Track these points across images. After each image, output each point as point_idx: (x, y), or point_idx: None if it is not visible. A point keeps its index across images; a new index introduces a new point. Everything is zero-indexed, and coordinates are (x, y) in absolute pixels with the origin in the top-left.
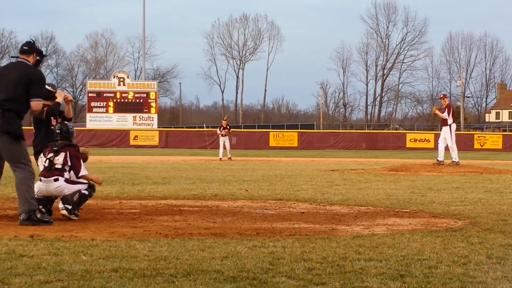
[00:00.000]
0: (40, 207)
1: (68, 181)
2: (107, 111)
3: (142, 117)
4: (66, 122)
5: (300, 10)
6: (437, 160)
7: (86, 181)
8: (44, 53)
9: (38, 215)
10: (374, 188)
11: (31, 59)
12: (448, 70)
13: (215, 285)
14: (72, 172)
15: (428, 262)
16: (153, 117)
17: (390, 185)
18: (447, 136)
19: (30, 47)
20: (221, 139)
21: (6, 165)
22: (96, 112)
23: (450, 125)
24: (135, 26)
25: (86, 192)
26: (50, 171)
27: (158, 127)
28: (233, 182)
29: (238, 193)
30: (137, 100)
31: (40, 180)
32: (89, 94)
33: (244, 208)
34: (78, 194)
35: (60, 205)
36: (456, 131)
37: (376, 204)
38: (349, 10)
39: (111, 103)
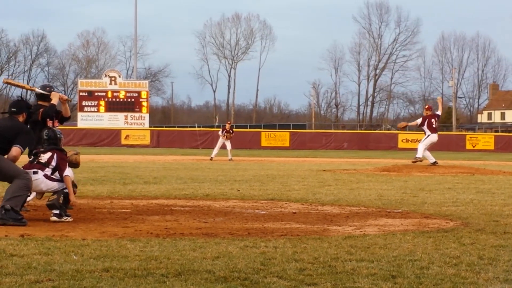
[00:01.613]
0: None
1: (47, 176)
2: (98, 110)
3: (134, 116)
4: (53, 128)
5: (292, 10)
6: (430, 163)
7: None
8: (31, 108)
9: (6, 213)
10: (366, 188)
11: (21, 118)
12: (440, 71)
13: (206, 285)
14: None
15: (420, 263)
16: (144, 117)
17: (382, 185)
18: (424, 137)
19: (18, 108)
20: (220, 140)
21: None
22: (87, 111)
23: (429, 135)
24: (127, 25)
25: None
26: (32, 163)
27: (149, 127)
28: (224, 182)
29: (229, 193)
30: (129, 100)
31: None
32: (80, 93)
33: (236, 208)
34: (62, 195)
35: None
36: (448, 131)
37: (367, 204)
38: (342, 10)
39: (102, 102)
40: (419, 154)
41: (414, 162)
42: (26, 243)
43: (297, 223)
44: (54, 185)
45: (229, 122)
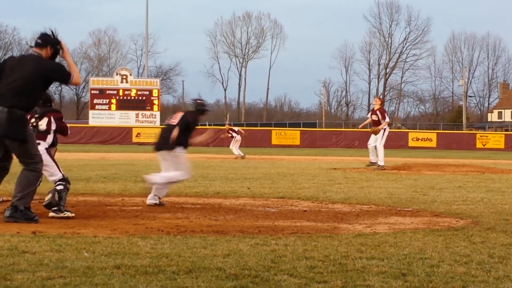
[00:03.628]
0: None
1: (48, 152)
2: (109, 108)
3: (145, 114)
4: (48, 92)
5: (303, 9)
6: (377, 165)
7: (59, 171)
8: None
9: (20, 213)
10: (376, 186)
11: (44, 53)
12: (450, 70)
13: (217, 283)
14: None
15: (430, 261)
16: (155, 115)
17: (392, 184)
18: (379, 136)
19: (43, 41)
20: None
21: (15, 160)
22: (99, 109)
23: (384, 128)
24: (138, 24)
25: (62, 187)
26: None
27: (160, 125)
28: (235, 180)
29: (240, 191)
30: (140, 98)
31: None
32: (92, 91)
33: (246, 206)
34: (56, 193)
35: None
36: (458, 130)
37: (378, 202)
38: (352, 9)
39: (113, 100)
40: (381, 160)
41: (379, 169)
42: (38, 240)
43: (307, 221)
44: (50, 162)
45: (228, 123)
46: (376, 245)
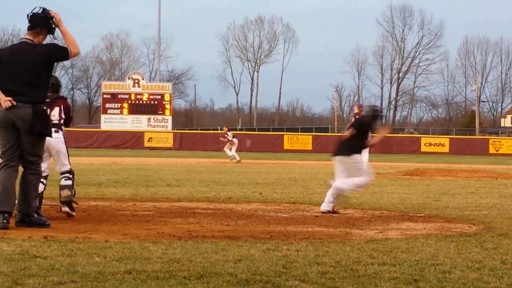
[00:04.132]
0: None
1: (65, 141)
2: (121, 113)
3: (157, 119)
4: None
5: (316, 13)
6: None
7: (69, 162)
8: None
9: (33, 218)
10: (389, 192)
11: (38, 35)
12: (463, 74)
13: None
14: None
15: (442, 267)
16: (167, 119)
17: (405, 189)
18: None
19: (33, 22)
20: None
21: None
22: (111, 114)
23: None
24: (150, 28)
25: (71, 182)
26: None
27: (172, 129)
28: (247, 185)
29: (252, 196)
30: (152, 102)
31: None
32: (104, 96)
33: (258, 211)
34: (73, 189)
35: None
36: (471, 135)
37: (390, 208)
38: (365, 13)
39: (125, 105)
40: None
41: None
42: (49, 244)
43: (319, 227)
44: (65, 152)
45: (225, 126)
46: (388, 251)
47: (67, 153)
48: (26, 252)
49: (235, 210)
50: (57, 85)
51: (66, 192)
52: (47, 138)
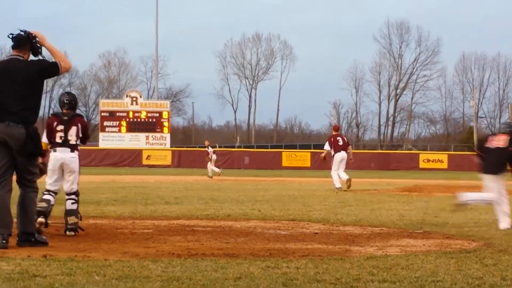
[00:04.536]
0: (40, 220)
1: (79, 161)
2: (120, 131)
3: (155, 136)
4: (69, 91)
5: (313, 30)
6: (335, 187)
7: (77, 185)
8: (38, 45)
9: (36, 236)
10: (387, 208)
11: (24, 53)
12: (461, 90)
13: None
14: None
15: (443, 284)
16: (166, 137)
17: (403, 205)
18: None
19: (17, 42)
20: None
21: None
22: (109, 132)
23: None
24: (148, 45)
25: (76, 206)
26: (63, 145)
27: (170, 147)
28: (246, 202)
29: (251, 213)
30: (150, 120)
31: (55, 151)
32: (102, 114)
33: (257, 228)
34: (79, 214)
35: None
36: (469, 151)
37: (389, 225)
38: (362, 30)
39: (124, 123)
40: (337, 184)
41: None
42: (49, 263)
43: (318, 244)
44: (77, 172)
45: (206, 141)
46: (388, 267)
47: (79, 173)
48: (25, 271)
49: (234, 228)
50: (74, 101)
51: (73, 219)
52: (63, 157)
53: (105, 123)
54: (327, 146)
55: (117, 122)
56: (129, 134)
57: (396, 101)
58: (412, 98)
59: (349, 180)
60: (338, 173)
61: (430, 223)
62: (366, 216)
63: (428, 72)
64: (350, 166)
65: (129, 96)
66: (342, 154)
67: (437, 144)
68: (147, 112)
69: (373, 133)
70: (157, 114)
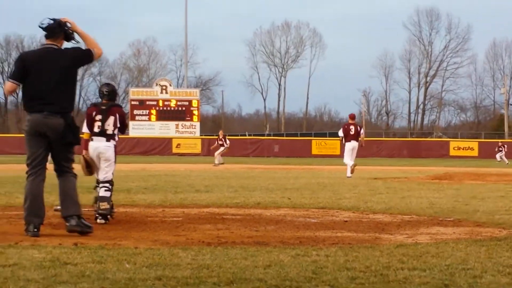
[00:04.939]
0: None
1: (115, 150)
2: (149, 119)
3: (185, 125)
4: (109, 82)
5: (342, 18)
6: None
7: (112, 174)
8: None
9: (83, 220)
10: (417, 196)
11: (58, 42)
12: (492, 78)
13: None
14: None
15: (473, 272)
16: (195, 125)
17: (434, 193)
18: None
19: (50, 31)
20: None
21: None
22: (139, 120)
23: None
24: (177, 34)
25: (110, 193)
26: (100, 134)
27: (200, 135)
28: (275, 190)
29: (280, 201)
30: (180, 108)
31: (92, 140)
32: (132, 102)
33: (287, 216)
34: (112, 201)
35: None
36: (500, 139)
37: (419, 213)
38: (392, 17)
39: (153, 111)
40: (348, 173)
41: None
42: (80, 251)
43: (348, 232)
44: (113, 161)
45: (221, 131)
46: (418, 255)
47: (115, 163)
48: (56, 259)
49: (264, 216)
50: (113, 92)
51: (105, 205)
52: (98, 145)
53: (135, 112)
54: (340, 133)
55: (147, 111)
56: (159, 122)
57: (426, 88)
58: (442, 86)
59: (354, 165)
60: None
61: (460, 211)
62: (396, 204)
63: (458, 59)
64: (380, 153)
65: (159, 84)
66: (352, 144)
67: (467, 132)
68: (177, 100)
69: (403, 121)
70: (187, 103)
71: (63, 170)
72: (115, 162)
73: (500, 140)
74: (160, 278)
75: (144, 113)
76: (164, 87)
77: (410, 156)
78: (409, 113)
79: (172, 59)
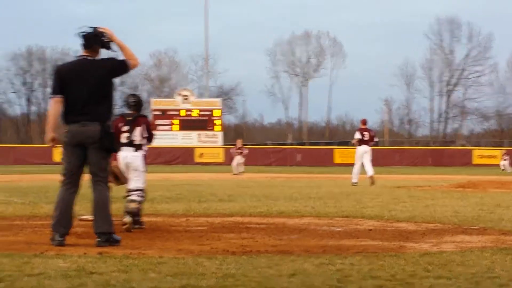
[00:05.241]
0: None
1: (144, 160)
2: (171, 129)
3: (207, 134)
4: (135, 93)
5: (363, 27)
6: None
7: (142, 184)
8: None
9: (113, 235)
10: (441, 205)
11: (94, 53)
12: None
13: None
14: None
15: (499, 280)
16: (217, 135)
17: (458, 202)
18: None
19: (87, 41)
20: (236, 158)
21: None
22: (161, 130)
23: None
24: (198, 44)
25: (142, 199)
26: (127, 145)
27: (223, 145)
28: (299, 199)
29: (304, 210)
30: (202, 118)
31: (121, 150)
32: (154, 112)
33: (311, 225)
34: (139, 204)
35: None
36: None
37: (443, 221)
38: (412, 26)
39: (175, 121)
40: (354, 179)
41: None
42: (105, 260)
43: (373, 240)
44: (143, 170)
45: (240, 140)
46: (443, 264)
47: (145, 173)
48: (82, 268)
49: (287, 225)
50: (139, 103)
51: (133, 204)
52: (126, 155)
53: (157, 122)
54: (358, 135)
55: (169, 121)
56: (181, 132)
57: (448, 97)
58: (464, 94)
59: (371, 177)
60: (365, 168)
61: (485, 219)
62: (420, 212)
63: (479, 67)
64: (402, 162)
65: (181, 94)
66: (364, 148)
67: (490, 140)
68: (199, 110)
69: (425, 130)
70: (209, 112)
71: (97, 182)
72: (146, 171)
73: (504, 148)
74: (185, 287)
75: (166, 122)
76: (185, 97)
77: (433, 164)
78: (431, 121)
79: (193, 69)
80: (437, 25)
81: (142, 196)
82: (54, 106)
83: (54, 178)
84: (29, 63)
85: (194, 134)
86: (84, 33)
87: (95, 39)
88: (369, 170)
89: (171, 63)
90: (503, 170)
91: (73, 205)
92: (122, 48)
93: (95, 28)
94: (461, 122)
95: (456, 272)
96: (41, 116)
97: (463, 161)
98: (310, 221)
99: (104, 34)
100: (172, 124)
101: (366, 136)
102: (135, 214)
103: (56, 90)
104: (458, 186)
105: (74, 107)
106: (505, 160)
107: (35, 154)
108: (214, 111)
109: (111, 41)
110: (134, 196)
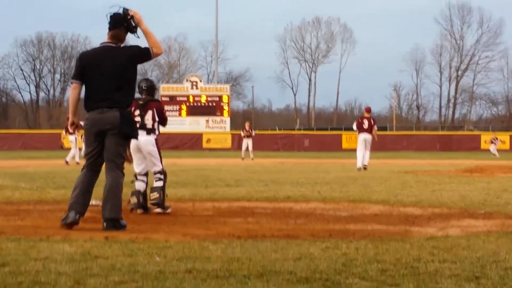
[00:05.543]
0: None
1: (156, 144)
2: (180, 115)
3: (215, 120)
4: (148, 78)
5: (373, 13)
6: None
7: (161, 163)
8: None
9: (121, 221)
10: (448, 189)
11: (119, 35)
12: None
13: (288, 286)
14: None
15: (504, 264)
16: (225, 120)
17: (465, 186)
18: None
19: (113, 23)
20: (244, 141)
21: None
22: (169, 116)
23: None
24: (208, 31)
25: (162, 183)
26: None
27: (230, 130)
28: (305, 184)
29: (310, 195)
30: (210, 104)
31: None
32: (163, 98)
33: (317, 210)
34: (161, 191)
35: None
36: None
37: (450, 205)
38: (423, 12)
39: (184, 107)
40: (358, 164)
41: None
42: (110, 245)
43: (378, 225)
44: (157, 154)
45: (248, 122)
46: (449, 248)
47: (159, 154)
48: (87, 252)
49: (294, 209)
50: (152, 88)
51: (154, 195)
52: (138, 140)
53: (166, 108)
54: (354, 127)
55: (177, 106)
56: (189, 118)
57: (457, 82)
58: (473, 80)
59: (365, 167)
60: (363, 155)
61: (491, 204)
62: (427, 197)
63: (490, 53)
64: (411, 147)
65: (189, 80)
66: (364, 136)
67: (499, 125)
68: (207, 96)
69: (434, 115)
70: (217, 98)
71: (112, 168)
72: (160, 154)
73: (493, 132)
74: (190, 271)
75: (175, 108)
76: (194, 83)
77: (441, 149)
78: (440, 107)
79: (202, 55)
80: (447, 10)
81: (163, 179)
82: (73, 92)
83: (61, 164)
84: (38, 49)
85: (202, 119)
86: (112, 15)
87: (122, 21)
88: (365, 158)
89: (180, 49)
90: (494, 155)
91: (92, 189)
92: (147, 35)
93: (125, 10)
94: (470, 108)
95: (462, 256)
96: (50, 103)
97: (471, 146)
98: (317, 205)
99: (133, 17)
100: (181, 109)
101: (366, 124)
102: (160, 203)
103: (76, 76)
104: (465, 171)
105: (94, 93)
106: (493, 143)
107: (43, 140)
108: (222, 97)
109: (137, 26)
110: (155, 182)
